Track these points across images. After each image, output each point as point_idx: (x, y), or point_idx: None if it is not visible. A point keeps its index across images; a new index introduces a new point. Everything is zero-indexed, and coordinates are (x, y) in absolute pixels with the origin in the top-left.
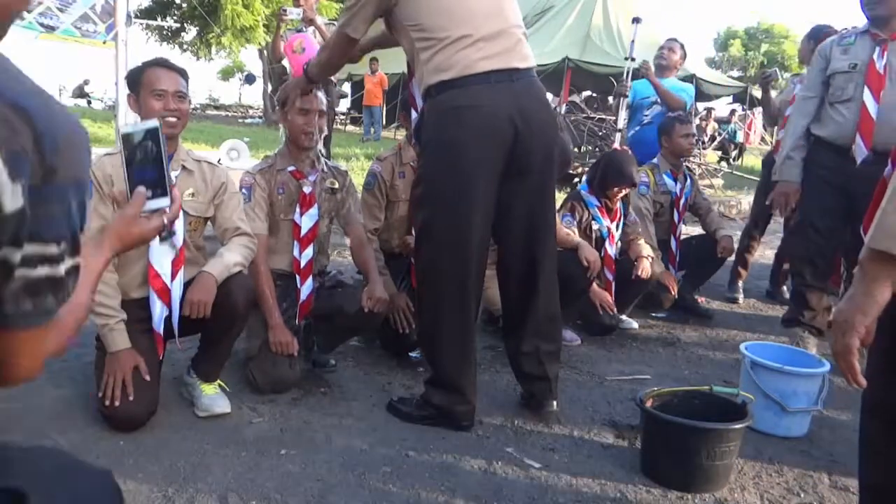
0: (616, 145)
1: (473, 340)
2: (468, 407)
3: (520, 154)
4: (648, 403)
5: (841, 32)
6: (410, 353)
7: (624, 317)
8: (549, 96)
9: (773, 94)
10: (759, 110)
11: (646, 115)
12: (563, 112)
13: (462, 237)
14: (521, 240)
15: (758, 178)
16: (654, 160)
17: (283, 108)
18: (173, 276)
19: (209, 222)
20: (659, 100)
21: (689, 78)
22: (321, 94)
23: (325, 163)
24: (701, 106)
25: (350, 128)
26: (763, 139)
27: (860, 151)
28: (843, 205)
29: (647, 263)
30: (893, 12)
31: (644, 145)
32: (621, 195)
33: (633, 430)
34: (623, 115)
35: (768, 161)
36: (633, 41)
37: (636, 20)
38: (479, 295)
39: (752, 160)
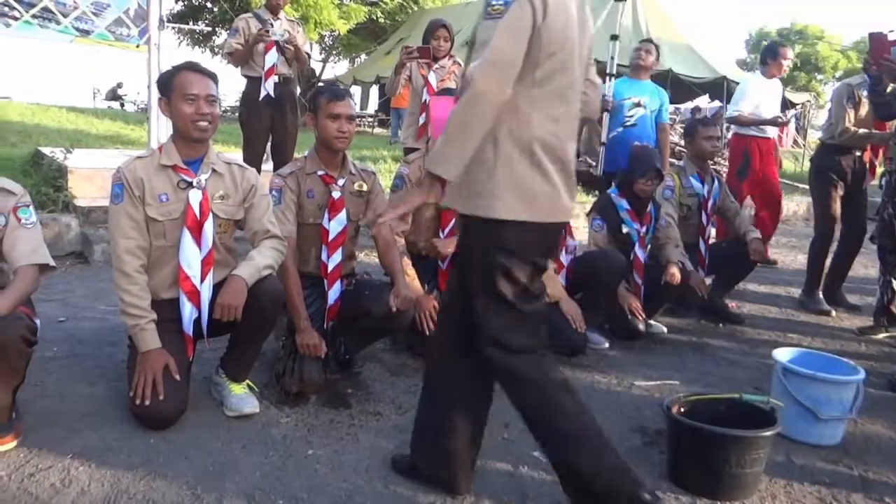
0: (601, 164)
1: None
2: None
3: None
4: (675, 409)
5: None
6: None
7: (652, 321)
8: None
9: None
10: (791, 113)
11: (629, 117)
12: None
13: None
14: None
15: (789, 182)
16: (681, 163)
17: (313, 112)
18: (202, 278)
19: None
20: (641, 102)
21: (721, 80)
22: (351, 100)
23: (353, 164)
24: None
25: (378, 130)
26: (796, 142)
27: None
28: None
29: (676, 270)
30: None
31: (628, 146)
32: (650, 189)
33: (662, 436)
34: (605, 130)
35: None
36: (612, 57)
37: (614, 37)
38: None
39: (785, 163)
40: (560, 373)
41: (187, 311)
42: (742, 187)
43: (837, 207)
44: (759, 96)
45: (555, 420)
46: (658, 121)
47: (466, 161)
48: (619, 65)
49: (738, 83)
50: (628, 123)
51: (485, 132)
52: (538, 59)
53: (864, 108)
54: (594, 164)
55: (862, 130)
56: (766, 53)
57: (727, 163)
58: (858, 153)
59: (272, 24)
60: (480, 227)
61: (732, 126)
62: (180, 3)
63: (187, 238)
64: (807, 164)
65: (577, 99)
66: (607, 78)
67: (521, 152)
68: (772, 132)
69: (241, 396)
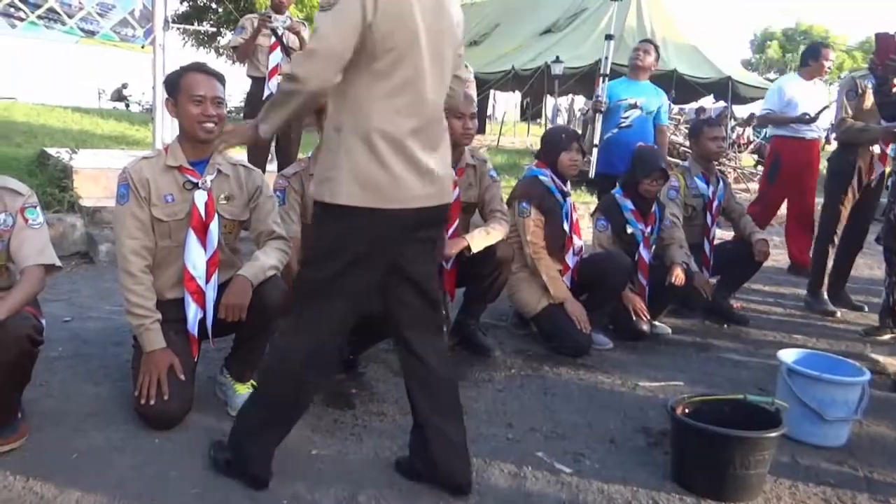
0: (594, 164)
1: None
2: None
3: None
4: (679, 410)
5: None
6: None
7: (657, 322)
8: (582, 99)
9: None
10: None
11: (624, 118)
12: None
13: None
14: None
15: None
16: (686, 163)
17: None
18: (208, 278)
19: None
20: (638, 103)
21: (725, 80)
22: None
23: None
24: (738, 110)
25: None
26: None
27: None
28: None
29: (681, 270)
30: None
31: (622, 147)
32: (655, 189)
33: (666, 437)
34: (598, 132)
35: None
36: (606, 57)
37: (609, 37)
38: None
39: None
40: (310, 373)
41: (192, 311)
42: (773, 192)
43: (846, 211)
44: (792, 96)
45: (283, 397)
46: (657, 123)
47: (277, 128)
48: (621, 65)
49: (742, 83)
50: (623, 125)
51: (297, 110)
52: (375, 52)
53: (869, 100)
54: None
55: (858, 123)
56: (807, 55)
57: (731, 163)
58: (878, 150)
59: (275, 18)
60: (328, 213)
61: (769, 128)
62: (185, 4)
63: (192, 239)
64: None
65: (430, 90)
66: (601, 79)
67: (361, 141)
68: (811, 133)
69: (246, 396)
